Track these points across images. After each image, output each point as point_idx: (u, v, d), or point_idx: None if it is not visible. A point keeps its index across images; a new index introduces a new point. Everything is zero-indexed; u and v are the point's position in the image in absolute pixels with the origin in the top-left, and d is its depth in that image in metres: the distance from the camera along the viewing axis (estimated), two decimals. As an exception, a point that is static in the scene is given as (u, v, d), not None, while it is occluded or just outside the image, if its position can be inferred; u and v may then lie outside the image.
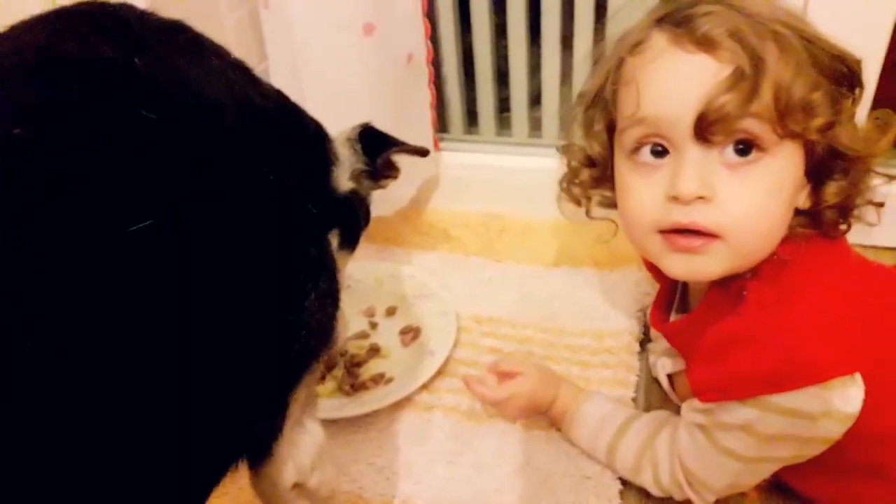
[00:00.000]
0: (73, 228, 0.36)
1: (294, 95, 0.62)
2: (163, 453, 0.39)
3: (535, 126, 1.16)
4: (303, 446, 0.52)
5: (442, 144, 1.16)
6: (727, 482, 0.64)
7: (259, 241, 0.45)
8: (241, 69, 0.53)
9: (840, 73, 0.57)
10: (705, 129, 0.54)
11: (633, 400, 0.82)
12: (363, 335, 0.93)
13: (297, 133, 0.57)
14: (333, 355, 0.86)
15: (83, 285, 0.35)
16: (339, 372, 0.87)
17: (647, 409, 0.81)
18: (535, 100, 1.16)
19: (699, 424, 0.63)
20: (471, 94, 1.17)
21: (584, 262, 1.02)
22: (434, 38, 1.07)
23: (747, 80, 0.53)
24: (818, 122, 0.54)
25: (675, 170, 0.56)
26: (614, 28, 0.68)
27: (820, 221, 0.61)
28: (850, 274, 0.63)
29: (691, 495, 0.67)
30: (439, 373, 0.86)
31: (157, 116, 0.41)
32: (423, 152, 0.67)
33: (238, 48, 1.01)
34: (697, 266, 0.59)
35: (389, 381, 0.86)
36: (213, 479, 0.44)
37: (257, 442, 0.48)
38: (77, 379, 0.35)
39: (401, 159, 0.68)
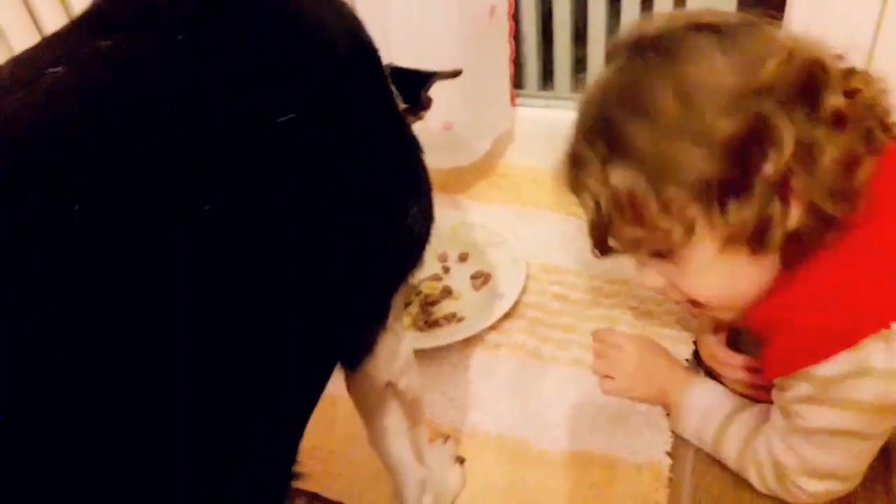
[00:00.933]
0: (223, 131, 0.40)
1: (379, 39, 0.66)
2: (295, 351, 0.44)
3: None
4: (395, 349, 0.58)
5: (518, 100, 1.19)
6: (839, 463, 0.62)
7: (379, 154, 0.50)
8: (342, 5, 0.57)
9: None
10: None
11: (693, 343, 0.85)
12: (436, 277, 0.99)
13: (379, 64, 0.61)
14: (408, 293, 0.92)
15: (219, 192, 0.38)
16: (414, 309, 0.93)
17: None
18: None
19: (783, 407, 0.63)
20: (547, 50, 1.19)
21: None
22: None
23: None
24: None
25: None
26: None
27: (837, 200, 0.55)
28: None
29: (800, 495, 0.65)
30: (507, 315, 0.91)
31: (270, 30, 0.46)
32: (455, 74, 0.70)
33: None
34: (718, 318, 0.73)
35: (461, 320, 0.92)
36: (328, 372, 0.50)
37: (365, 339, 0.54)
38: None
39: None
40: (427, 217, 0.57)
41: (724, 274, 0.60)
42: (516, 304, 0.92)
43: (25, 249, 0.32)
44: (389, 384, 0.59)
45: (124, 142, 0.36)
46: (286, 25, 0.47)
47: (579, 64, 1.19)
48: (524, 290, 0.94)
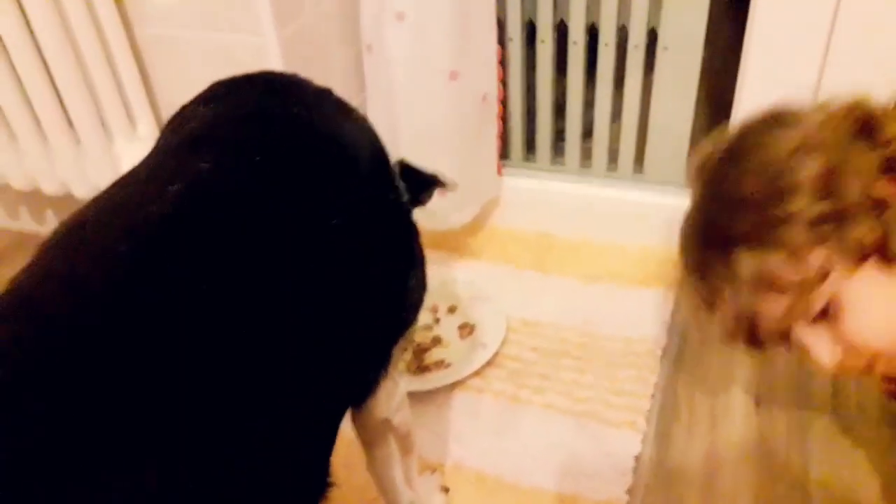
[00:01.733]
0: (278, 225, 0.54)
1: (387, 125, 0.79)
2: (331, 391, 0.58)
3: (586, 156, 1.32)
4: (392, 391, 0.70)
5: (503, 170, 1.33)
6: None
7: (389, 241, 0.64)
8: (363, 121, 0.71)
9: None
10: None
11: (652, 396, 0.98)
12: (428, 327, 1.11)
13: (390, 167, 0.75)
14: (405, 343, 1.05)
15: (306, 273, 0.53)
16: (408, 356, 1.05)
17: (662, 406, 0.97)
18: (587, 133, 1.32)
19: None
20: (530, 126, 1.34)
21: (619, 279, 1.17)
22: (503, 79, 1.25)
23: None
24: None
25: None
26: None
27: None
28: None
29: None
30: (489, 363, 1.03)
31: (320, 152, 0.60)
32: (452, 187, 0.82)
33: (344, 81, 1.22)
34: None
35: (448, 366, 1.04)
36: (348, 405, 0.63)
37: (372, 382, 0.66)
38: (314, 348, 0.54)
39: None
40: (422, 285, 0.70)
41: (882, 303, 0.60)
42: (497, 353, 1.04)
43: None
44: (386, 420, 0.71)
45: (234, 233, 0.51)
46: (330, 147, 0.62)
47: (559, 134, 1.34)
48: (504, 342, 1.07)
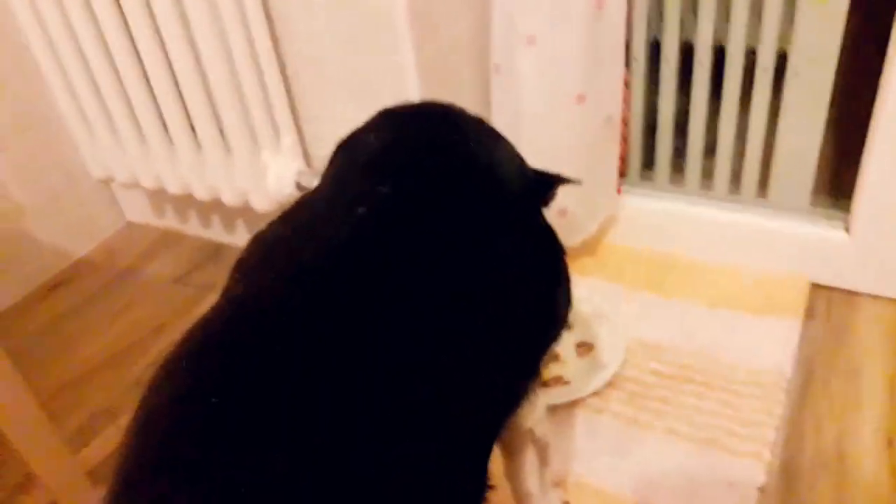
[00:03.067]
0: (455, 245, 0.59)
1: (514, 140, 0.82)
2: (502, 402, 0.64)
3: (707, 176, 1.31)
4: (535, 402, 0.74)
5: (622, 188, 1.34)
6: None
7: (540, 258, 0.67)
8: (511, 147, 0.75)
9: None
10: None
11: (776, 428, 0.97)
12: (546, 344, 1.14)
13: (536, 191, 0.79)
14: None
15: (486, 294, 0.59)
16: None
17: (787, 442, 0.96)
18: (709, 153, 1.31)
19: None
20: (650, 145, 1.34)
21: (740, 305, 1.16)
22: (626, 99, 1.26)
23: None
24: None
25: None
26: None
27: None
28: None
29: None
30: (608, 384, 1.05)
31: (482, 179, 0.64)
32: (577, 181, 0.85)
33: (472, 101, 1.26)
34: None
35: (566, 383, 1.06)
36: (506, 416, 0.68)
37: (522, 394, 0.70)
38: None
39: (582, 195, 0.85)
40: (568, 301, 0.73)
41: None
42: (616, 374, 1.06)
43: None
44: (529, 430, 0.74)
45: (415, 253, 0.57)
46: (490, 175, 0.66)
47: (679, 153, 1.34)
48: (623, 363, 1.08)
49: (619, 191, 1.32)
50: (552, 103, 1.12)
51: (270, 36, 1.15)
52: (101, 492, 1.05)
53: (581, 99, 1.11)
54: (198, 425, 0.45)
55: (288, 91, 1.21)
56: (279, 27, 1.15)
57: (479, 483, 0.57)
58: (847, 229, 1.18)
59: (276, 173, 1.22)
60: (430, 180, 0.62)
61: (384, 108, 0.79)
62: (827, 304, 1.17)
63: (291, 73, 1.20)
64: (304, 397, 0.46)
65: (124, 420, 1.17)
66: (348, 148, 0.73)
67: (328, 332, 0.50)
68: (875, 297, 1.17)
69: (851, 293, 1.18)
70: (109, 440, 1.14)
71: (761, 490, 0.90)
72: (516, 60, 1.12)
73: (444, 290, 0.56)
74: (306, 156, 1.27)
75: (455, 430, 0.55)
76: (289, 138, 1.22)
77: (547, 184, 0.79)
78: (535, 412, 0.74)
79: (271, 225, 0.65)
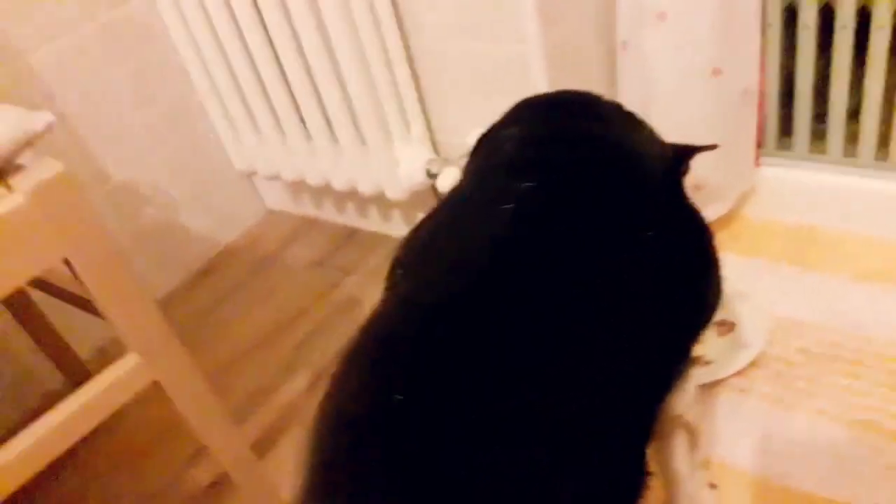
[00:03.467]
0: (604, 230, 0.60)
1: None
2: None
3: (851, 142, 1.24)
4: (687, 388, 0.75)
5: (760, 160, 1.29)
6: None
7: (686, 247, 0.68)
8: (651, 131, 0.75)
9: None
10: None
11: (938, 411, 0.92)
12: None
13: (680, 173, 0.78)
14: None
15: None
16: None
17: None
18: (851, 115, 1.24)
19: None
20: (787, 113, 1.28)
21: (890, 278, 1.11)
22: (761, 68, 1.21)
23: None
24: None
25: None
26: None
27: None
28: None
29: None
30: (752, 364, 1.03)
31: (626, 167, 0.65)
32: (713, 147, 0.83)
33: (597, 79, 1.25)
34: None
35: (708, 363, 1.05)
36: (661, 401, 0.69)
37: (675, 379, 0.71)
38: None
39: (718, 169, 0.83)
40: (718, 284, 0.73)
41: None
42: (760, 354, 1.04)
43: None
44: (680, 416, 0.75)
45: (566, 245, 0.59)
46: (634, 162, 0.66)
47: (819, 120, 1.27)
48: (768, 343, 1.06)
49: (757, 163, 1.28)
50: (686, 79, 1.09)
51: (399, 31, 1.18)
52: (266, 464, 1.15)
53: (717, 73, 1.08)
54: (386, 425, 0.50)
55: (416, 83, 1.24)
56: (407, 22, 1.19)
57: (641, 469, 0.59)
58: None
59: (407, 163, 1.27)
60: (574, 173, 0.64)
61: (523, 99, 0.80)
62: None
63: (419, 67, 1.23)
64: (486, 389, 0.50)
65: (277, 398, 1.26)
66: (490, 141, 0.75)
67: (497, 326, 0.53)
68: None
69: None
70: (266, 416, 1.24)
71: (923, 475, 0.87)
72: (646, 37, 1.10)
73: (599, 280, 0.58)
74: (434, 144, 1.31)
75: (616, 417, 0.57)
76: (418, 129, 1.26)
77: (683, 155, 0.79)
78: (685, 397, 0.74)
79: (423, 223, 0.69)
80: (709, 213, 1.24)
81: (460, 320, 0.53)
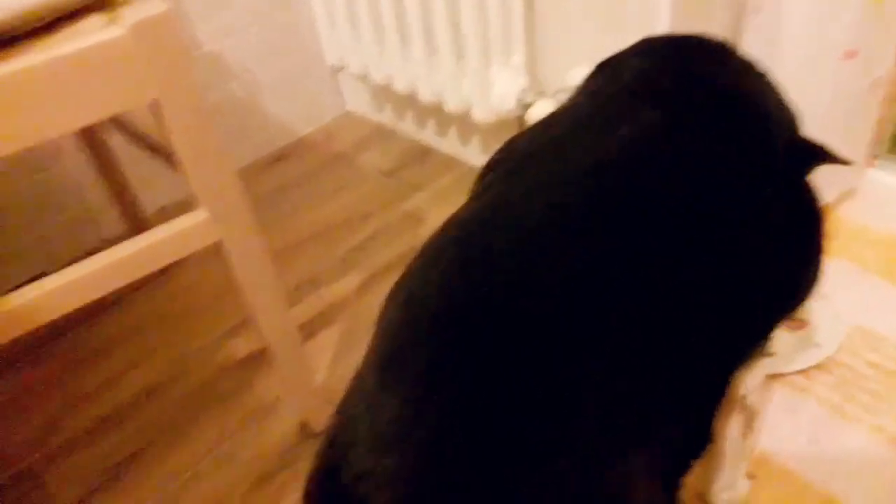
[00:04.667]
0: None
1: None
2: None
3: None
4: (757, 370, 0.71)
5: (875, 160, 1.21)
6: None
7: (795, 228, 0.63)
8: (786, 100, 0.69)
9: None
10: None
11: None
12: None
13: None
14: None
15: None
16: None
17: None
18: None
19: None
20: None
21: None
22: None
23: None
24: None
25: None
26: None
27: None
28: None
29: None
30: (818, 365, 0.98)
31: (748, 122, 0.60)
32: (848, 162, 0.77)
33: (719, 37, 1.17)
34: None
35: (771, 355, 1.00)
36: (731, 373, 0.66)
37: (754, 354, 0.68)
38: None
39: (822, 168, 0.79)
40: (815, 275, 0.68)
41: None
42: (828, 358, 0.99)
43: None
44: (743, 396, 0.72)
45: (678, 183, 0.55)
46: (756, 119, 0.62)
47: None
48: (840, 347, 1.00)
49: (869, 163, 1.20)
50: (817, 55, 1.01)
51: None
52: (308, 346, 1.16)
53: (850, 55, 1.00)
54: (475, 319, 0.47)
55: (530, 9, 1.18)
56: None
57: (707, 433, 0.57)
58: None
59: (501, 87, 1.22)
60: (696, 112, 0.59)
61: (650, 35, 0.75)
62: None
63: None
64: (579, 313, 0.47)
65: (327, 292, 1.27)
66: (611, 67, 0.71)
67: (577, 255, 0.50)
68: None
69: None
70: (312, 306, 1.24)
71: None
72: (782, 3, 1.02)
73: (706, 229, 0.54)
74: (533, 75, 1.26)
75: (702, 372, 0.55)
76: (519, 56, 1.21)
77: (814, 154, 0.73)
78: (754, 379, 0.71)
79: (529, 131, 0.65)
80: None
81: (559, 234, 0.50)
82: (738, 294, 0.58)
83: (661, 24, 1.04)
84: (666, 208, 0.53)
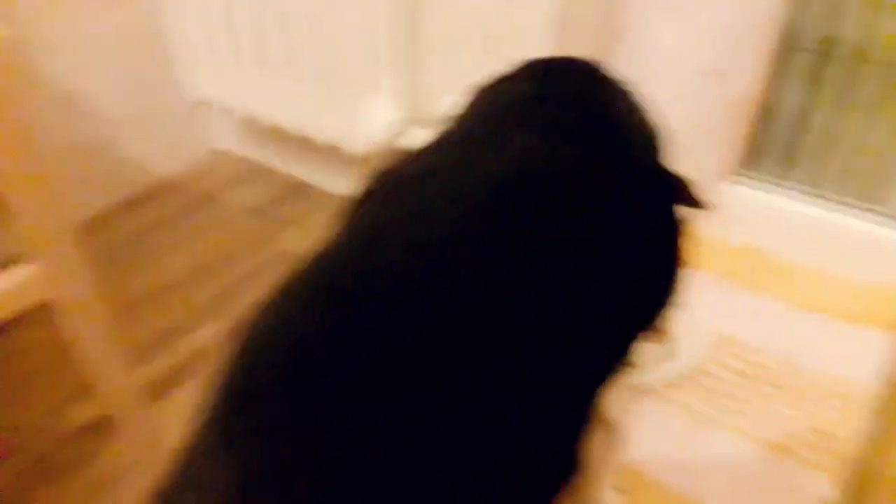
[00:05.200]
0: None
1: None
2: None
3: (821, 175, 1.23)
4: (617, 385, 0.71)
5: (730, 178, 1.27)
6: None
7: (655, 251, 0.64)
8: (654, 123, 0.71)
9: None
10: None
11: (854, 443, 0.91)
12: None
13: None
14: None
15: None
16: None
17: (864, 459, 0.90)
18: (826, 150, 1.23)
19: None
20: (766, 137, 1.27)
21: (835, 312, 1.10)
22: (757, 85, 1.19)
23: None
24: None
25: None
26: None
27: None
28: None
29: None
30: (682, 375, 1.01)
31: (619, 145, 0.61)
32: (705, 207, 0.80)
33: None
34: None
35: (635, 366, 1.02)
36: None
37: (615, 371, 0.67)
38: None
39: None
40: (671, 293, 0.69)
41: None
42: (691, 367, 1.01)
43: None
44: (605, 411, 0.72)
45: (548, 209, 0.54)
46: (628, 142, 0.64)
47: (796, 147, 1.26)
48: (701, 356, 1.03)
49: (728, 179, 1.26)
50: (682, 76, 1.06)
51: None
52: (155, 409, 1.07)
53: (714, 76, 1.05)
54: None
55: (402, 35, 1.18)
56: None
57: (573, 458, 0.55)
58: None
59: (374, 117, 1.20)
60: (572, 135, 0.60)
61: (532, 58, 0.76)
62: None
63: (421, 16, 1.16)
64: (451, 333, 0.45)
65: (187, 342, 1.19)
66: (490, 92, 0.70)
67: (426, 299, 0.48)
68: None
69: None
70: (169, 360, 1.16)
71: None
72: (650, 27, 1.06)
73: (562, 248, 0.54)
74: (408, 104, 1.25)
75: (564, 393, 0.54)
76: (393, 84, 1.20)
77: (673, 191, 0.76)
78: (615, 394, 0.71)
79: (403, 161, 0.63)
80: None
81: (413, 275, 0.48)
82: (597, 311, 0.58)
83: (535, 48, 1.06)
84: (532, 233, 0.52)
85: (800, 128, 1.22)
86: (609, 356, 0.65)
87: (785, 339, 1.06)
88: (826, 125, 1.18)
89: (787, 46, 1.17)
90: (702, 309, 1.11)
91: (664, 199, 0.67)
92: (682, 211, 0.82)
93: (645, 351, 1.05)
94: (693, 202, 0.76)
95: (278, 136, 1.52)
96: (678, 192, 0.75)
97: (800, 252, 1.20)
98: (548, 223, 0.54)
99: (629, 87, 0.70)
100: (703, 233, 1.27)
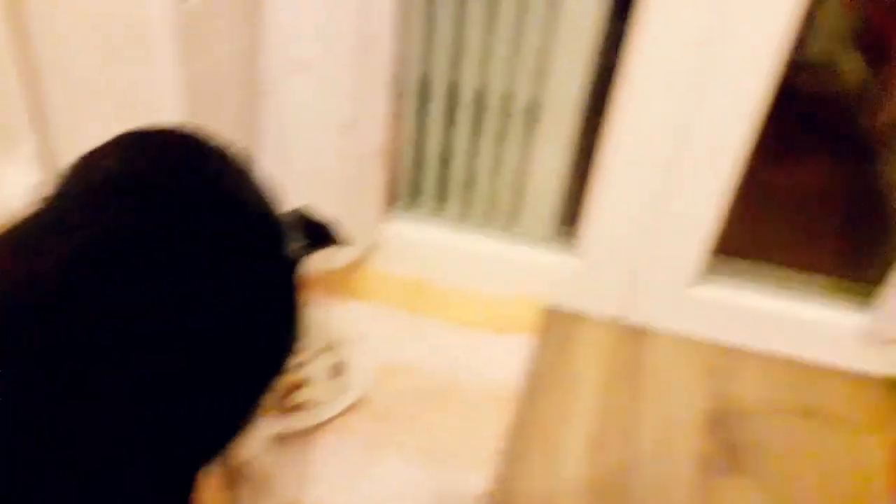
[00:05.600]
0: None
1: (277, 168, 0.81)
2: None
3: (466, 206, 1.41)
4: (253, 437, 0.74)
5: (387, 215, 1.40)
6: None
7: (267, 307, 0.68)
8: (259, 183, 0.76)
9: None
10: None
11: (503, 438, 1.06)
12: (297, 367, 1.15)
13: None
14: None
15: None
16: (277, 394, 1.09)
17: (512, 448, 1.05)
18: (469, 184, 1.41)
19: None
20: (416, 177, 1.42)
21: (484, 326, 1.27)
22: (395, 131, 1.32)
23: None
24: None
25: None
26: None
27: None
28: None
29: None
30: (356, 404, 1.09)
31: (215, 209, 0.65)
32: (348, 244, 0.89)
33: (236, 123, 1.23)
34: None
35: (315, 406, 1.08)
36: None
37: (237, 430, 0.70)
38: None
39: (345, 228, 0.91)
40: (295, 337, 0.75)
41: None
42: (363, 395, 1.10)
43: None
44: (244, 463, 0.75)
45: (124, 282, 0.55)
46: (225, 205, 0.67)
47: (442, 183, 1.42)
48: (371, 383, 1.12)
49: (383, 219, 1.38)
50: (319, 130, 1.15)
51: (17, 36, 1.06)
52: None
53: (348, 128, 1.15)
54: None
55: (35, 96, 1.12)
56: (32, 26, 1.07)
57: None
58: (579, 256, 1.33)
59: (10, 182, 1.13)
60: (165, 206, 0.62)
61: (125, 131, 0.76)
62: (557, 324, 1.31)
63: (42, 78, 1.11)
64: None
65: None
66: (81, 169, 0.70)
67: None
68: (597, 319, 1.33)
69: (579, 314, 1.34)
70: None
71: (479, 498, 0.98)
72: (286, 85, 1.13)
73: (165, 319, 0.56)
74: (50, 167, 1.19)
75: (157, 451, 0.55)
76: (29, 147, 1.13)
77: (319, 237, 0.81)
78: (252, 446, 0.74)
79: None
80: (336, 262, 1.30)
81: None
82: (213, 376, 0.61)
83: (171, 109, 1.07)
84: (118, 317, 0.54)
85: (444, 166, 1.39)
86: (228, 424, 0.69)
87: (446, 357, 1.20)
88: (465, 163, 1.36)
89: (422, 96, 1.33)
90: (375, 339, 1.20)
91: (274, 248, 0.73)
92: (319, 252, 0.90)
93: (323, 389, 1.12)
94: (335, 240, 0.84)
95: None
96: (316, 234, 0.82)
97: (454, 276, 1.36)
98: (135, 310, 0.55)
99: (236, 152, 0.75)
100: (369, 267, 1.38)
